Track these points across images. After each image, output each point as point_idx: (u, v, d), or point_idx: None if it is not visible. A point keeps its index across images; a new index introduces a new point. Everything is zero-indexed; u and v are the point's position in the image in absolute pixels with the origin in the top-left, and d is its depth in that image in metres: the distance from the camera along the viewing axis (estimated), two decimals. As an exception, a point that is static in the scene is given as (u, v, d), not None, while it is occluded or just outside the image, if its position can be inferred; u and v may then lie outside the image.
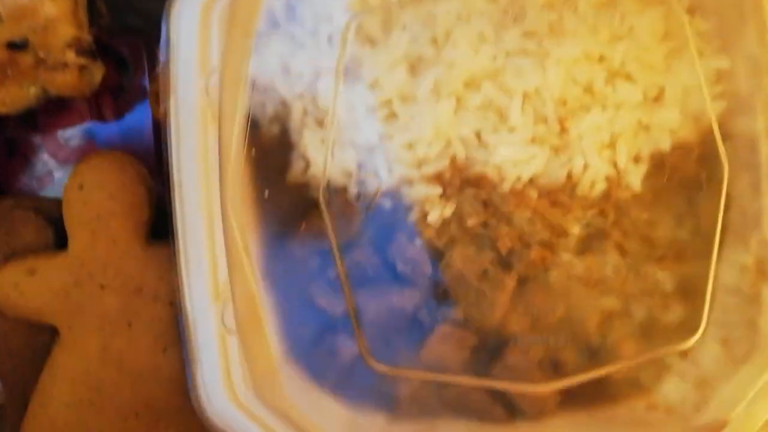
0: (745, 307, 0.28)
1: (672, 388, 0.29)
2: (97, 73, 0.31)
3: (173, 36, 0.27)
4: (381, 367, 0.27)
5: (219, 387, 0.28)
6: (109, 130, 0.35)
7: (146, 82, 0.35)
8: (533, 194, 0.28)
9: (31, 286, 0.29)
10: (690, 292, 0.29)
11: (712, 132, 0.28)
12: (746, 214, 0.28)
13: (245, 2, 0.27)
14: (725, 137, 0.29)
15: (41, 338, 0.31)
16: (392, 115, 0.28)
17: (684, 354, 0.28)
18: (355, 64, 0.28)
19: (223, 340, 0.27)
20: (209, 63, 0.27)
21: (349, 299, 0.27)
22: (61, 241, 0.31)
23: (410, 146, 0.28)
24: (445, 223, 0.28)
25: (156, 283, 0.30)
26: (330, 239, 0.27)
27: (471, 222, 0.29)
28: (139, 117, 0.34)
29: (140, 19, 0.35)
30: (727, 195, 0.28)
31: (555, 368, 0.29)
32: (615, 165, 0.28)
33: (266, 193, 0.28)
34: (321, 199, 0.27)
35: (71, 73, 0.30)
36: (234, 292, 0.27)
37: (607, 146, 0.28)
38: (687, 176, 0.28)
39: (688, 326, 0.28)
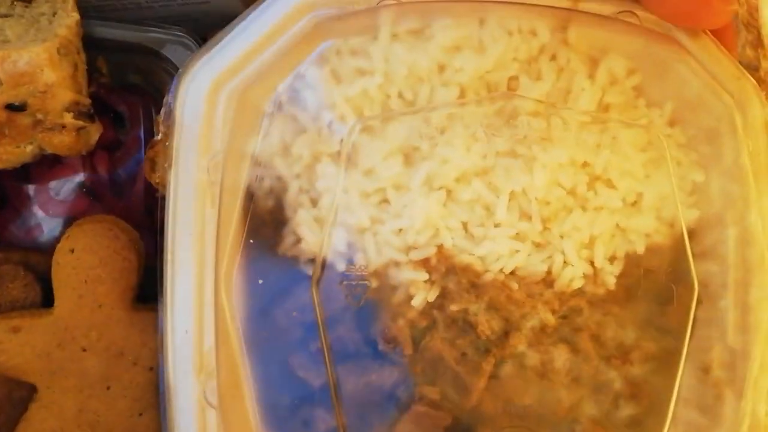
0: (707, 405, 0.30)
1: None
2: (95, 133, 0.31)
3: (178, 112, 0.28)
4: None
5: (197, 459, 0.28)
6: (102, 185, 0.35)
7: (141, 135, 0.36)
8: (514, 285, 0.30)
9: (14, 345, 0.30)
10: (656, 389, 0.30)
11: (683, 238, 0.30)
12: (711, 325, 0.30)
13: (260, 83, 0.28)
14: (697, 242, 0.31)
15: (20, 393, 0.31)
16: (385, 201, 0.30)
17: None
18: (352, 151, 0.30)
19: (202, 413, 0.28)
20: (213, 143, 0.28)
21: (330, 375, 0.28)
22: (47, 296, 0.32)
23: (400, 232, 0.29)
24: (428, 306, 0.30)
25: (138, 347, 0.31)
26: (316, 314, 0.27)
27: (453, 307, 0.30)
28: (132, 171, 0.35)
29: (140, 76, 0.36)
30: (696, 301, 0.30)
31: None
32: (592, 264, 0.30)
33: (260, 281, 0.29)
34: (313, 279, 0.28)
35: (68, 135, 0.30)
36: (219, 364, 0.28)
37: (586, 246, 0.30)
38: (659, 286, 0.30)
39: (657, 422, 0.29)
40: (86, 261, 0.30)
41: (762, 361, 0.28)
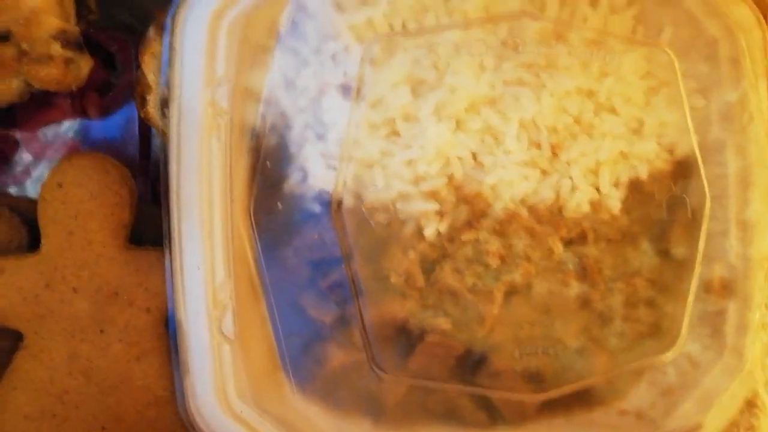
0: (710, 322, 0.31)
1: (642, 395, 0.31)
2: (84, 66, 0.30)
3: (177, 44, 0.27)
4: (384, 375, 0.28)
5: (211, 397, 0.27)
6: (94, 129, 0.34)
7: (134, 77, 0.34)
8: (524, 213, 0.30)
9: None
10: (662, 312, 0.31)
11: (684, 164, 0.31)
12: (713, 239, 0.31)
13: (258, 14, 0.27)
14: (696, 166, 0.31)
15: (3, 344, 0.29)
16: (394, 133, 0.29)
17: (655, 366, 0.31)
18: (358, 82, 0.29)
19: (218, 349, 0.27)
20: (216, 74, 0.27)
21: (357, 306, 0.28)
22: (34, 245, 0.30)
23: (410, 163, 0.29)
24: (438, 237, 0.30)
25: (133, 288, 0.29)
26: (339, 248, 0.27)
27: (464, 237, 0.30)
28: (126, 117, 0.33)
29: (131, 15, 0.34)
30: (696, 222, 0.31)
31: (535, 377, 0.31)
32: (597, 189, 0.30)
33: (279, 205, 0.28)
34: (331, 212, 0.28)
35: (56, 66, 0.28)
36: (236, 297, 0.27)
37: (592, 172, 0.30)
38: (660, 211, 0.30)
39: (661, 343, 0.30)
40: (75, 195, 0.28)
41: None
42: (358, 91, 0.29)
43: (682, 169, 0.31)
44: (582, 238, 0.31)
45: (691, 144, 0.31)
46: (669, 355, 0.30)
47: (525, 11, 0.29)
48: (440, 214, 0.30)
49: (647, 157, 0.31)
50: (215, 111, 0.27)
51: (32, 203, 0.30)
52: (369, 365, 0.28)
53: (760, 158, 0.30)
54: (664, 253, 0.31)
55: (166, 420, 0.28)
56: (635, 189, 0.31)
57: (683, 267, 0.31)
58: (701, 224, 0.31)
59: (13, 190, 0.33)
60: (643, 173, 0.31)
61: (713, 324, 0.31)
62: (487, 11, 0.30)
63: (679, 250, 0.31)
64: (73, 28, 0.29)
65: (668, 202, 0.31)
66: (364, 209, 0.29)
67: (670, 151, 0.31)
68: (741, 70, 0.29)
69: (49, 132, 0.33)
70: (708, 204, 0.30)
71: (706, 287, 0.31)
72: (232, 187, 0.28)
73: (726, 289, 0.31)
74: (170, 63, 0.27)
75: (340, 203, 0.29)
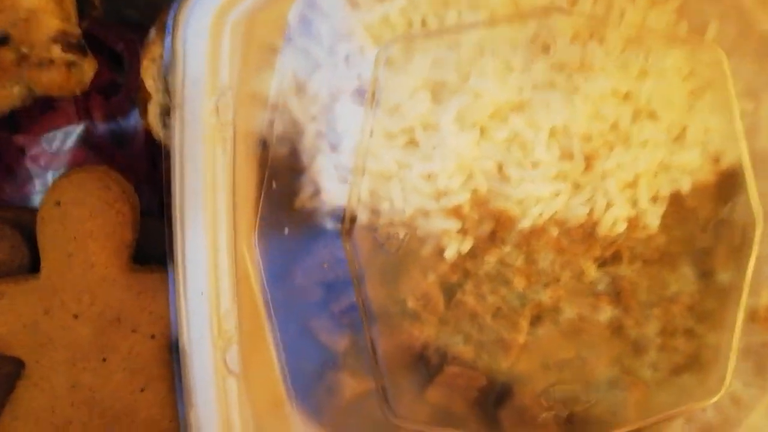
0: (755, 356, 0.28)
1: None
2: (88, 69, 0.28)
3: (179, 48, 0.25)
4: (400, 420, 0.25)
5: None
6: (99, 134, 0.31)
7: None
8: (554, 231, 0.27)
9: None
10: (703, 343, 0.28)
11: (732, 176, 0.28)
12: (762, 263, 0.28)
13: (266, 11, 0.25)
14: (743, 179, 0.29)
15: (4, 369, 0.28)
16: (412, 143, 0.27)
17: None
18: (374, 87, 0.27)
19: (222, 381, 0.25)
20: (219, 80, 0.25)
21: (367, 336, 0.25)
22: (36, 261, 0.28)
23: (429, 177, 0.27)
24: (460, 258, 0.27)
25: (136, 313, 0.27)
26: (350, 270, 0.25)
27: (488, 257, 0.27)
28: (134, 121, 0.31)
29: (138, 12, 0.32)
30: (742, 242, 0.28)
31: (563, 414, 0.28)
32: (635, 204, 0.28)
33: (286, 230, 0.26)
34: (342, 231, 0.25)
35: (58, 71, 0.27)
36: (240, 327, 0.25)
37: (629, 185, 0.28)
38: (703, 228, 0.28)
39: (701, 377, 0.28)
40: (74, 215, 0.27)
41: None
42: (373, 96, 0.27)
43: (729, 183, 0.28)
44: (616, 258, 0.28)
45: (738, 153, 0.28)
46: (714, 399, 0.27)
47: (556, 6, 0.26)
48: (463, 232, 0.27)
49: (690, 168, 0.28)
50: (220, 121, 0.25)
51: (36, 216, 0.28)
52: (381, 403, 0.25)
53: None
54: (706, 278, 0.29)
55: (172, 453, 0.26)
56: (676, 205, 0.28)
57: (728, 294, 0.28)
58: (750, 246, 0.28)
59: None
60: (686, 186, 0.28)
61: (758, 358, 0.28)
62: (515, 6, 0.27)
63: (723, 275, 0.28)
64: (75, 28, 0.27)
65: (713, 220, 0.28)
66: (379, 227, 0.27)
67: (716, 161, 0.28)
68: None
69: (53, 139, 0.31)
70: (760, 224, 0.27)
71: (752, 316, 0.28)
72: (238, 204, 0.26)
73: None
74: (171, 68, 0.25)
75: (354, 220, 0.27)
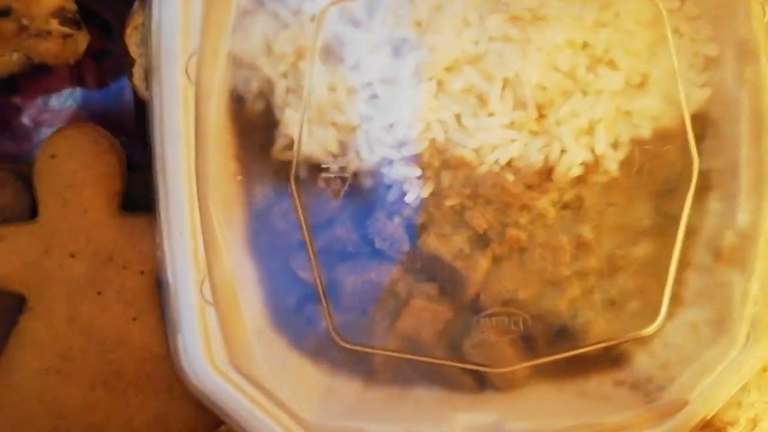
0: (715, 293, 0.29)
1: (641, 367, 0.30)
2: (82, 41, 0.31)
3: (156, 14, 0.27)
4: (347, 344, 0.28)
5: (199, 355, 0.29)
6: (93, 96, 0.35)
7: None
8: (510, 177, 0.29)
9: (0, 254, 0.29)
10: (664, 281, 0.29)
11: (696, 121, 0.28)
12: (725, 202, 0.28)
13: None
14: (709, 124, 0.29)
15: (5, 302, 0.31)
16: (374, 97, 0.29)
17: (648, 338, 0.29)
18: (337, 44, 0.28)
19: (202, 311, 0.29)
20: (190, 44, 0.27)
21: (317, 276, 0.28)
22: (33, 210, 0.31)
23: (391, 128, 0.29)
24: (423, 202, 0.29)
25: (127, 251, 0.30)
26: (300, 218, 0.27)
27: (449, 202, 0.29)
28: (123, 84, 0.34)
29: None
30: (707, 185, 0.29)
31: (526, 343, 0.30)
32: (593, 150, 0.29)
33: (239, 178, 0.29)
34: (291, 180, 0.28)
35: (54, 42, 0.30)
36: (210, 267, 0.28)
37: (586, 132, 0.28)
38: (666, 172, 0.28)
39: (654, 311, 0.29)
40: (68, 166, 0.29)
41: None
42: (337, 54, 0.28)
43: (693, 128, 0.29)
44: (577, 201, 0.29)
45: (702, 98, 0.28)
46: (655, 327, 0.28)
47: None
48: (423, 178, 0.29)
49: (651, 114, 0.29)
50: (191, 80, 0.28)
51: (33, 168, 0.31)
52: (335, 336, 0.28)
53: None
54: (668, 219, 0.29)
55: (163, 375, 0.30)
56: (637, 149, 0.29)
57: (689, 234, 0.29)
58: (712, 188, 0.28)
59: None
60: (647, 132, 0.29)
61: (719, 295, 0.29)
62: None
63: (685, 216, 0.29)
64: (72, 5, 0.30)
65: (676, 164, 0.29)
66: (348, 174, 0.29)
67: (679, 107, 0.29)
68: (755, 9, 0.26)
69: (49, 100, 0.34)
70: (696, 169, 0.27)
71: (716, 255, 0.29)
72: (219, 154, 0.29)
73: (735, 258, 0.28)
74: (148, 33, 0.28)
75: (325, 169, 0.29)
